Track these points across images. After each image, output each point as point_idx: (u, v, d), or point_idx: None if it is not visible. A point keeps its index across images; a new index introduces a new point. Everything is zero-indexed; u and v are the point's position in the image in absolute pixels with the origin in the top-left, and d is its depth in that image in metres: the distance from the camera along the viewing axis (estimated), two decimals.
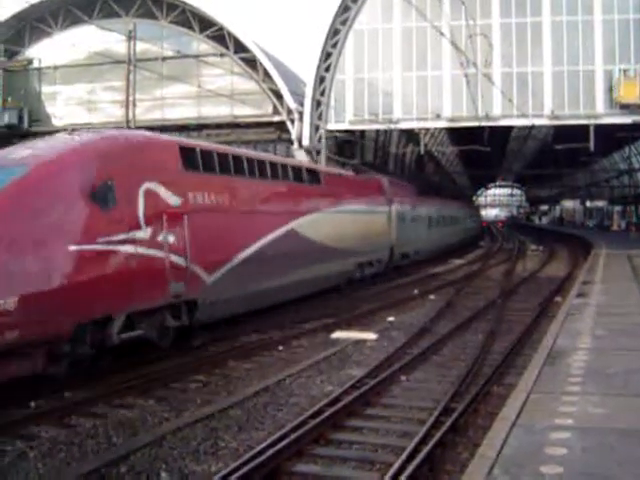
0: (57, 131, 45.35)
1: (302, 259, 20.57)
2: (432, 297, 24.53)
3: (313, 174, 23.27)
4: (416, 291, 26.00)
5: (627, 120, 38.31)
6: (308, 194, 22.12)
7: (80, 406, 11.20)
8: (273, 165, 19.87)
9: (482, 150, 47.95)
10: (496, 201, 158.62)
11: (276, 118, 42.84)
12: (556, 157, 60.67)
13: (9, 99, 45.14)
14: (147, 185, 13.50)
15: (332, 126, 41.01)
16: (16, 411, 10.85)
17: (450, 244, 49.99)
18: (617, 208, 76.80)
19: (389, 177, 37.28)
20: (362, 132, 47.32)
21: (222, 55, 43.35)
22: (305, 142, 40.47)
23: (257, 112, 42.72)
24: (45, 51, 46.03)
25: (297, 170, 21.99)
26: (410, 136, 55.71)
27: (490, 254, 50.23)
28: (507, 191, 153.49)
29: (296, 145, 41.13)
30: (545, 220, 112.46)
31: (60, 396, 11.78)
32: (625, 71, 37.26)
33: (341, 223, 23.82)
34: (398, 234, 32.08)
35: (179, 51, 39.50)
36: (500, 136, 58.37)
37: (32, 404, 11.30)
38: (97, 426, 10.30)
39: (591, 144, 38.99)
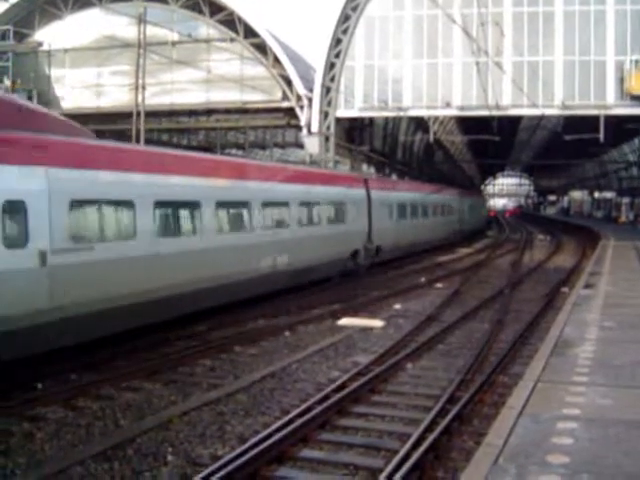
0: (66, 114, 45.31)
1: None
2: (439, 285, 24.52)
3: None
4: (423, 279, 25.99)
5: (638, 111, 38.09)
6: None
7: (87, 388, 11.24)
8: None
9: (491, 139, 47.77)
10: (504, 191, 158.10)
11: (285, 104, 42.72)
12: (565, 147, 60.34)
13: (18, 81, 45.10)
14: None
15: (341, 113, 40.90)
16: (23, 392, 10.90)
17: None
18: (625, 200, 76.35)
19: None
20: (371, 119, 47.24)
21: (232, 40, 43.22)
22: (314, 128, 40.37)
23: (266, 98, 42.60)
24: (55, 34, 45.96)
25: None
26: (419, 124, 55.61)
27: (497, 244, 50.14)
28: (515, 181, 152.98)
29: (305, 131, 41.04)
30: (551, 211, 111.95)
31: (66, 378, 11.84)
32: (637, 62, 37.03)
33: None
34: None
35: (190, 35, 39.39)
36: (509, 125, 58.13)
37: (39, 385, 11.35)
38: (104, 408, 10.35)
39: (601, 135, 38.81)
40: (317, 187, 23.58)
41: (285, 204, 20.77)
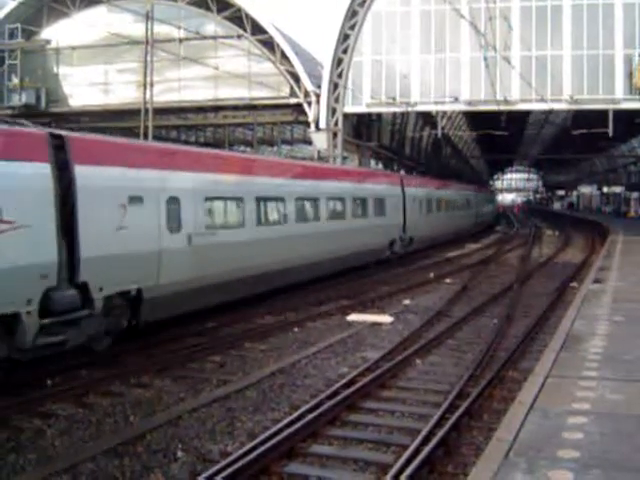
0: (74, 112, 45.02)
1: None
2: (448, 281, 24.49)
3: None
4: (432, 275, 25.96)
5: None
6: None
7: (97, 385, 11.28)
8: None
9: (499, 134, 47.64)
10: (512, 186, 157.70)
11: (293, 100, 42.62)
12: (574, 142, 60.14)
13: (26, 79, 45.19)
14: None
15: (349, 108, 40.81)
16: (33, 389, 10.94)
17: None
18: (634, 194, 76.04)
19: None
20: (379, 115, 47.17)
21: (239, 37, 43.14)
22: (322, 124, 40.31)
23: (274, 94, 42.52)
24: (62, 31, 45.98)
25: None
26: (427, 119, 55.54)
27: (506, 239, 50.05)
28: (524, 176, 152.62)
29: (313, 127, 40.98)
30: (557, 205, 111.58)
31: (76, 374, 11.87)
32: None
33: None
34: None
35: (198, 32, 39.32)
36: (518, 120, 57.91)
37: (49, 382, 11.39)
38: (114, 405, 10.38)
39: (610, 129, 38.61)
40: None
41: None
